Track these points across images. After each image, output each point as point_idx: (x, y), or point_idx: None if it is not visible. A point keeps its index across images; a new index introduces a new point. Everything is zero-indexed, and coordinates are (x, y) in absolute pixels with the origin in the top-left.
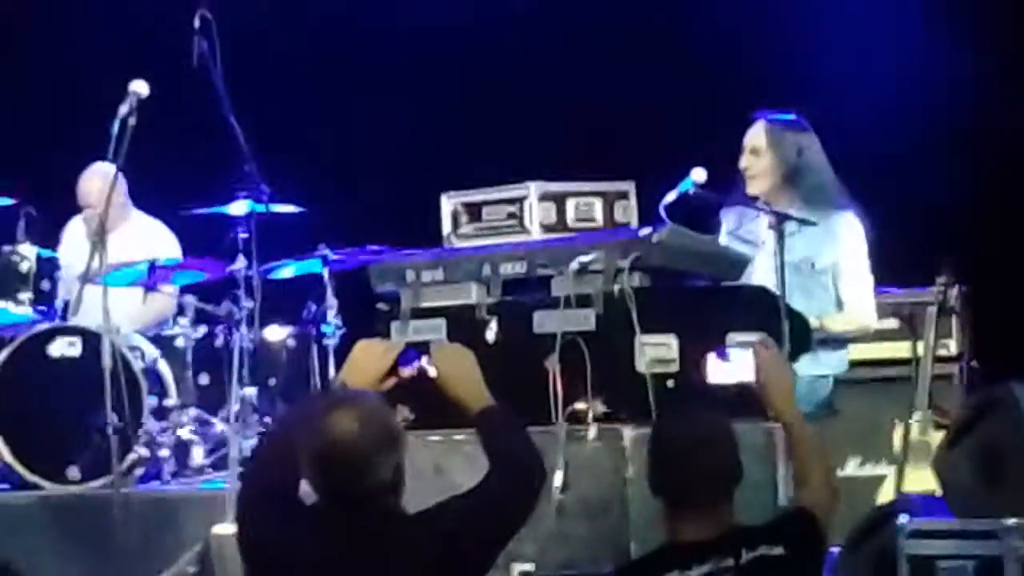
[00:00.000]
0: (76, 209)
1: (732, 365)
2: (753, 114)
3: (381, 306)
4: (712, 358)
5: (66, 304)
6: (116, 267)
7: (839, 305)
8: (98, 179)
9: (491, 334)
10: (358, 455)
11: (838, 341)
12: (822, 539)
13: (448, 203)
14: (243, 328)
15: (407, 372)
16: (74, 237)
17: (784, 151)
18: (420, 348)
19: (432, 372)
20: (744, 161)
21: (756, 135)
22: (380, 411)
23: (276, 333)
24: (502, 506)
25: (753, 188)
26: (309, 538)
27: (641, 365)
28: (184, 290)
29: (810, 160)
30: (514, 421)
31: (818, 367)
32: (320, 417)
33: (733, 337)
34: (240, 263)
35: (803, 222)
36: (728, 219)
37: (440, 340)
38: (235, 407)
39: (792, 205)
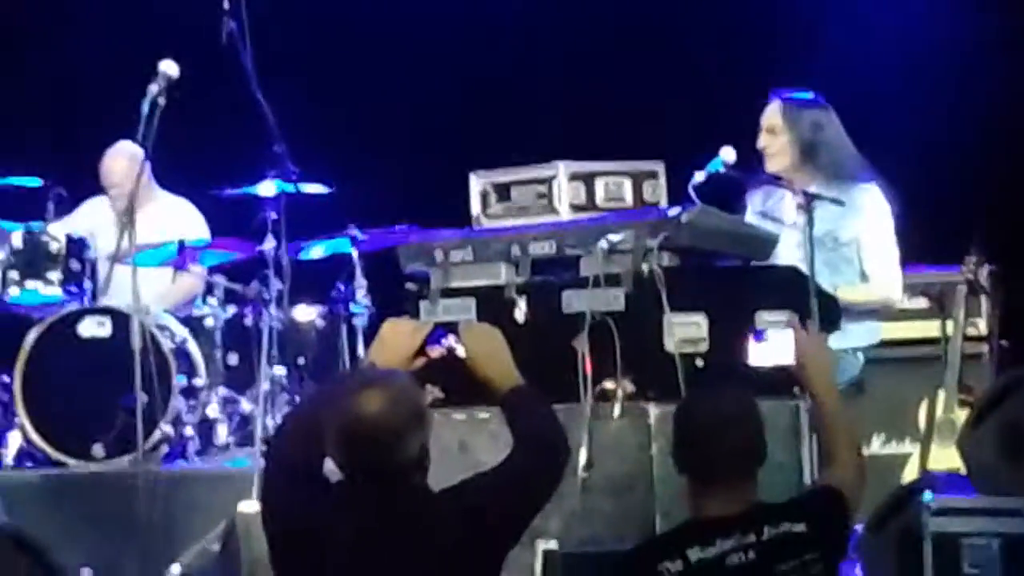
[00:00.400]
0: (102, 189)
1: (771, 346)
2: (769, 93)
3: (410, 286)
4: (751, 340)
5: (95, 285)
6: (145, 247)
7: (864, 278)
8: (122, 158)
9: (520, 314)
10: (386, 433)
11: (864, 314)
12: (848, 517)
13: (477, 183)
14: (272, 308)
15: (435, 351)
16: (95, 217)
17: (801, 128)
18: (448, 327)
19: (460, 351)
20: (762, 140)
21: (772, 114)
22: (408, 390)
23: (305, 313)
24: (526, 483)
25: (772, 166)
26: (334, 515)
27: (670, 344)
28: (213, 270)
29: (828, 136)
30: (540, 399)
31: (845, 340)
32: (349, 395)
33: (762, 316)
34: (269, 243)
35: (834, 202)
36: (754, 199)
37: (469, 319)
38: (264, 387)
39: (813, 181)
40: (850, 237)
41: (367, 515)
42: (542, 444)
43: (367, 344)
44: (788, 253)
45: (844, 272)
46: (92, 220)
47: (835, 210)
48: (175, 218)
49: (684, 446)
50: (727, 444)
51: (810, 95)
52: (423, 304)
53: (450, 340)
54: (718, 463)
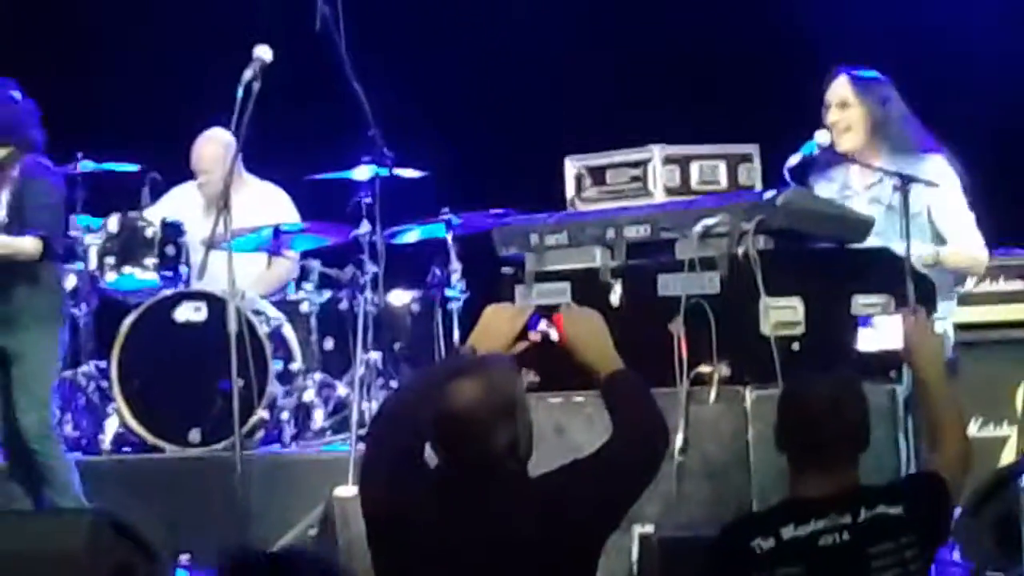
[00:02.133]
0: (192, 175)
1: (879, 332)
2: (835, 70)
3: (506, 270)
4: (858, 326)
5: (190, 270)
6: (240, 232)
7: (941, 243)
8: (213, 144)
9: (615, 297)
10: (477, 424)
11: (945, 290)
12: (947, 503)
13: (572, 167)
14: (367, 293)
15: (532, 336)
16: (184, 202)
17: (871, 102)
18: (545, 311)
19: (554, 336)
20: (832, 115)
21: (842, 88)
22: (503, 378)
23: (400, 297)
24: (626, 471)
25: (845, 143)
26: (428, 501)
27: (766, 328)
28: (308, 255)
29: (896, 110)
30: (642, 386)
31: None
32: (442, 385)
33: (858, 300)
34: (364, 228)
35: (928, 184)
36: (819, 184)
37: (568, 303)
38: (359, 371)
39: (880, 156)
40: (920, 207)
41: (460, 502)
42: (643, 432)
43: (462, 329)
44: None
45: (916, 240)
46: (181, 205)
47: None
48: (266, 203)
49: (789, 427)
50: (833, 429)
51: (876, 73)
52: (518, 288)
53: (543, 325)
54: (823, 447)
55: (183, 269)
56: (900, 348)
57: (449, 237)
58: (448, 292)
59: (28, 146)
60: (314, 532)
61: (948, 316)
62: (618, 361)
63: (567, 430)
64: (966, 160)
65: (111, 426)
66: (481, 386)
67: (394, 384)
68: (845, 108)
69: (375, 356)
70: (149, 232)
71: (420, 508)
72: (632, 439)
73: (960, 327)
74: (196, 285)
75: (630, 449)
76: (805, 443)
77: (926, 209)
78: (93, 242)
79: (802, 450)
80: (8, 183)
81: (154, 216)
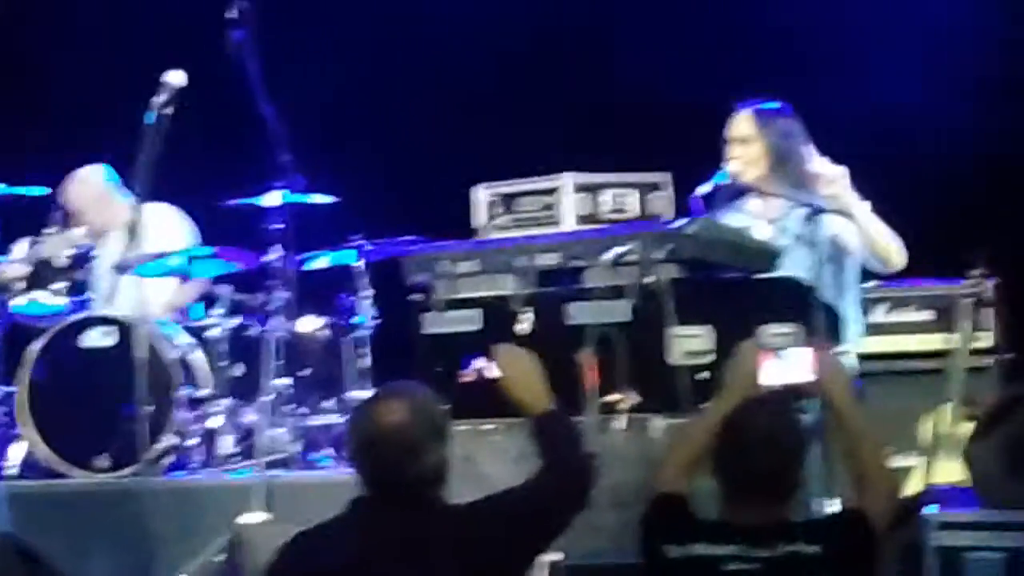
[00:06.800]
0: None
1: (787, 364)
2: (737, 104)
3: (415, 297)
4: (765, 359)
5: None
6: (148, 257)
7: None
8: (81, 186)
9: (525, 325)
10: (408, 443)
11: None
12: (870, 541)
13: (482, 194)
14: (277, 319)
15: (466, 375)
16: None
17: (773, 137)
18: (483, 351)
19: (490, 374)
20: (735, 150)
21: (743, 124)
22: (429, 402)
23: (310, 324)
24: (549, 509)
25: (746, 176)
26: (350, 527)
27: (673, 357)
28: (219, 280)
29: (797, 144)
30: (572, 426)
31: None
32: (370, 405)
33: (767, 329)
34: (274, 254)
35: (838, 212)
36: (740, 211)
37: (507, 344)
38: (268, 398)
39: (783, 188)
40: (830, 233)
41: (383, 527)
42: (570, 472)
43: (374, 355)
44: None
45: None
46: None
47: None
48: (161, 224)
49: (723, 456)
50: (766, 461)
51: (778, 104)
52: (426, 316)
53: (480, 363)
54: (753, 478)
55: (91, 294)
56: (807, 381)
57: (360, 264)
58: (357, 319)
59: None
60: (220, 559)
61: (854, 346)
62: (550, 401)
63: (474, 459)
64: (871, 191)
65: (17, 451)
66: (409, 407)
67: (303, 411)
68: (747, 143)
69: (285, 383)
70: (58, 257)
71: (340, 534)
72: (561, 477)
73: (866, 357)
74: (106, 310)
75: (558, 487)
76: (737, 472)
77: (834, 239)
78: (1, 267)
79: (733, 479)
80: None
81: (63, 241)
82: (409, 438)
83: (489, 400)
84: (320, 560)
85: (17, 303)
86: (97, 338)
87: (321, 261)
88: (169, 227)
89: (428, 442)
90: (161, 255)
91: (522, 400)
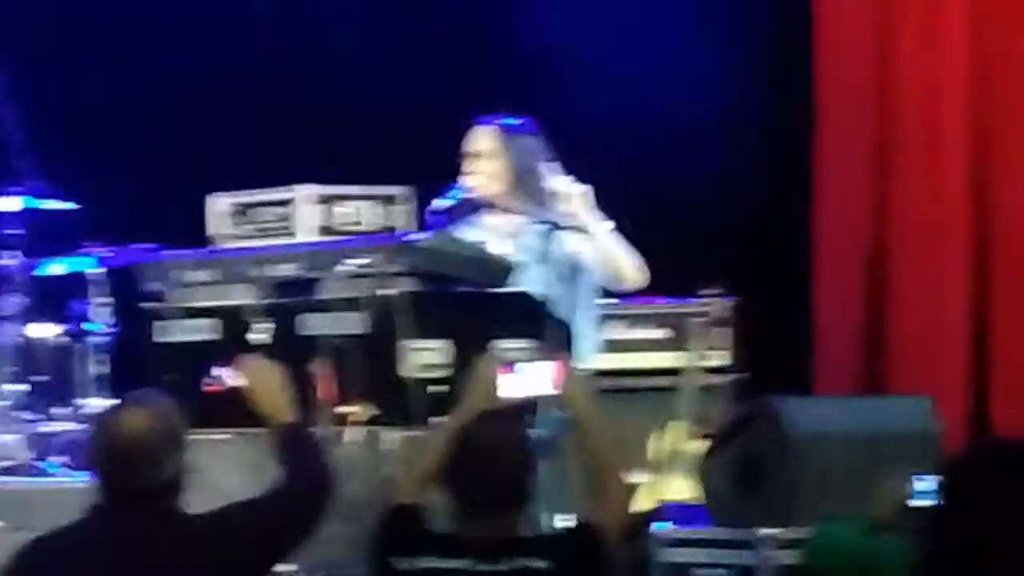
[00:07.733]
0: None
1: (526, 378)
2: (477, 119)
3: (147, 305)
4: (504, 373)
5: None
6: None
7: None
8: None
9: (260, 335)
10: (149, 451)
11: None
12: (600, 556)
13: (217, 203)
14: (11, 324)
15: (209, 384)
16: None
17: (514, 152)
18: (219, 360)
19: (233, 383)
20: (471, 166)
21: (483, 139)
22: (169, 410)
23: (42, 331)
24: (290, 520)
25: (485, 192)
26: (84, 537)
27: (405, 370)
28: None
29: (537, 161)
30: (313, 439)
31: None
32: (110, 413)
33: (501, 344)
34: (10, 259)
35: (577, 229)
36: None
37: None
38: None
39: (524, 204)
40: (570, 253)
41: (120, 535)
42: (309, 485)
43: (112, 364)
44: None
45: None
46: None
47: (541, 233)
48: None
49: (454, 469)
50: (494, 477)
51: (520, 120)
52: (158, 324)
53: (223, 373)
54: (482, 493)
55: None
56: (546, 394)
57: (97, 270)
58: (91, 326)
59: None
60: None
61: (589, 363)
62: (291, 414)
63: (206, 469)
64: (616, 210)
65: None
66: (149, 414)
67: (37, 417)
68: (488, 158)
69: (17, 388)
70: None
71: (75, 546)
72: (300, 491)
73: (602, 374)
74: None
75: (297, 500)
76: (465, 486)
77: (571, 256)
78: None
79: (463, 492)
80: None
81: None
82: (152, 447)
83: (226, 410)
84: (56, 566)
85: None
86: None
87: (57, 267)
88: None
89: (169, 451)
90: None
91: (266, 411)
